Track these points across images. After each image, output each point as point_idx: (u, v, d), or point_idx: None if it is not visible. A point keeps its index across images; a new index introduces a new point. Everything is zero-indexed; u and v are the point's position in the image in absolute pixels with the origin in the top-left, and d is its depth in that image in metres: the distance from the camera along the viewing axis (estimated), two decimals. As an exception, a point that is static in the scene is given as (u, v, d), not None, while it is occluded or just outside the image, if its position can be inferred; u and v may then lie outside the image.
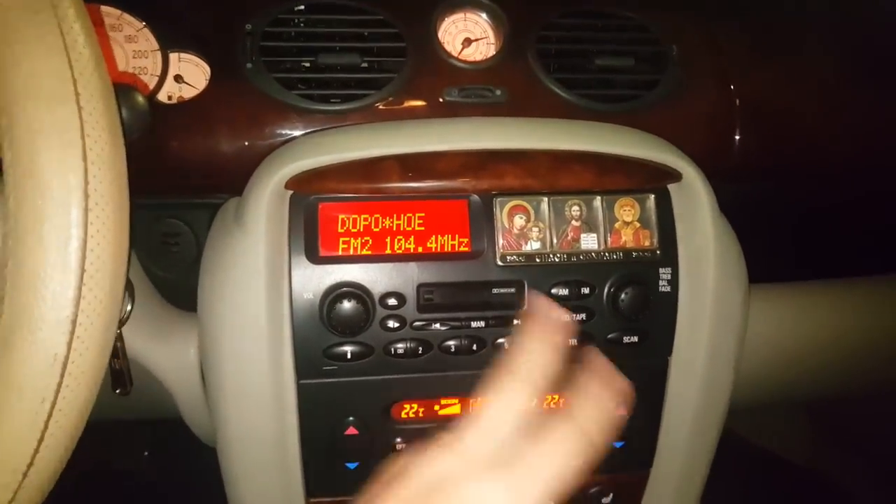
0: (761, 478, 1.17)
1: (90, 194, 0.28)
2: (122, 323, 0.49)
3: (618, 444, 0.58)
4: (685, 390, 0.57)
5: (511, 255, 0.53)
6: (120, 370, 0.47)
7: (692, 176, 0.55)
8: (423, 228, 0.53)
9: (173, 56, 0.59)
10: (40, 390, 0.28)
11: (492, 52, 0.63)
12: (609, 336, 0.54)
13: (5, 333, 0.27)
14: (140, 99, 0.43)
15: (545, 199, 0.54)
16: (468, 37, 0.63)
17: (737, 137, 0.65)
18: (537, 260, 0.53)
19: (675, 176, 0.55)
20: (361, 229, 0.52)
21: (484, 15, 0.64)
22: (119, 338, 0.49)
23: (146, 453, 1.11)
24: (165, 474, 1.08)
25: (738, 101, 0.64)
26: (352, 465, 0.54)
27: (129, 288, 0.50)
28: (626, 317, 0.54)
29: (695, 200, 0.55)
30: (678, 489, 0.61)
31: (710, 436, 0.60)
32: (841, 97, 0.68)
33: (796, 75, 0.67)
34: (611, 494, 0.59)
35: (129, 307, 0.49)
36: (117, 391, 0.48)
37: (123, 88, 0.40)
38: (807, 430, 1.23)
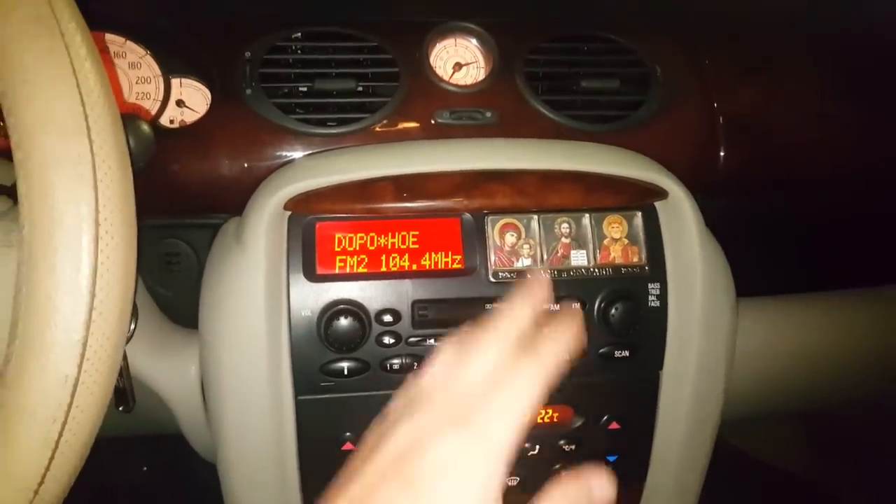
0: (755, 488, 1.18)
1: (101, 223, 0.30)
2: (126, 341, 0.50)
3: (611, 459, 0.59)
4: (677, 403, 0.58)
5: (503, 271, 0.54)
6: (123, 388, 0.49)
7: (678, 193, 0.56)
8: (417, 246, 0.54)
9: (175, 81, 0.60)
10: (52, 411, 0.29)
11: (482, 75, 0.65)
12: (600, 351, 0.56)
13: (19, 357, 0.29)
14: (145, 128, 0.45)
15: (535, 217, 0.55)
16: (459, 61, 0.65)
17: (721, 154, 0.66)
18: (528, 276, 0.54)
19: (662, 193, 0.56)
20: (357, 248, 0.53)
21: (474, 40, 0.66)
22: (123, 356, 0.50)
23: (145, 469, 1.11)
24: (164, 490, 1.08)
25: (721, 119, 0.66)
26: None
27: (133, 307, 0.51)
28: (616, 332, 0.55)
29: (681, 217, 0.57)
30: (672, 502, 0.62)
31: (703, 448, 0.61)
32: (823, 112, 0.69)
33: (778, 91, 0.69)
34: (605, 508, 0.60)
35: (132, 326, 0.51)
36: (120, 408, 0.49)
37: (129, 118, 0.42)
38: (800, 439, 1.23)
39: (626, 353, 0.56)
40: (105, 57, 0.58)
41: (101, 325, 0.30)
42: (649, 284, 0.56)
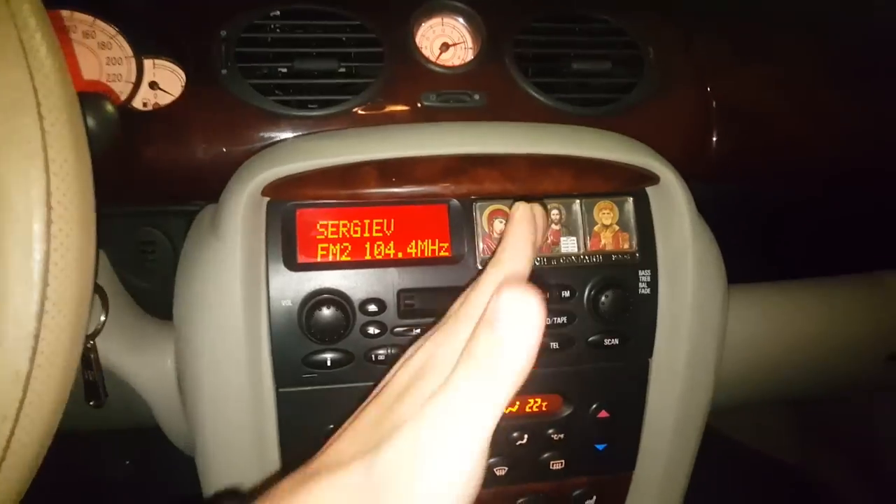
0: (744, 475, 1.18)
1: (53, 206, 0.27)
2: (95, 333, 0.49)
3: (600, 447, 0.58)
4: (667, 391, 0.58)
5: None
6: (93, 382, 0.47)
7: (669, 178, 0.55)
8: (402, 234, 0.52)
9: (148, 62, 0.58)
10: (2, 408, 0.27)
11: (469, 56, 0.63)
12: (590, 339, 0.54)
13: (-33, 350, 0.27)
14: (108, 108, 0.43)
15: (524, 203, 0.54)
16: (446, 41, 0.63)
17: (713, 139, 0.65)
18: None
19: (653, 178, 0.55)
20: (340, 235, 0.52)
21: (461, 19, 0.64)
22: (93, 349, 0.48)
23: (127, 462, 1.09)
24: (146, 483, 1.07)
25: (714, 103, 0.65)
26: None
27: (102, 297, 0.49)
28: (606, 319, 0.54)
29: (672, 202, 0.55)
30: (662, 490, 0.61)
31: (693, 436, 0.60)
32: (817, 98, 0.69)
33: (772, 76, 0.68)
34: (594, 497, 0.59)
35: (102, 318, 0.49)
36: (91, 403, 0.47)
37: (91, 98, 0.40)
38: (790, 427, 1.24)
39: (616, 341, 0.55)
40: (67, 38, 0.56)
41: (55, 317, 0.28)
42: (640, 271, 0.55)
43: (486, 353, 0.27)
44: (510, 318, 0.26)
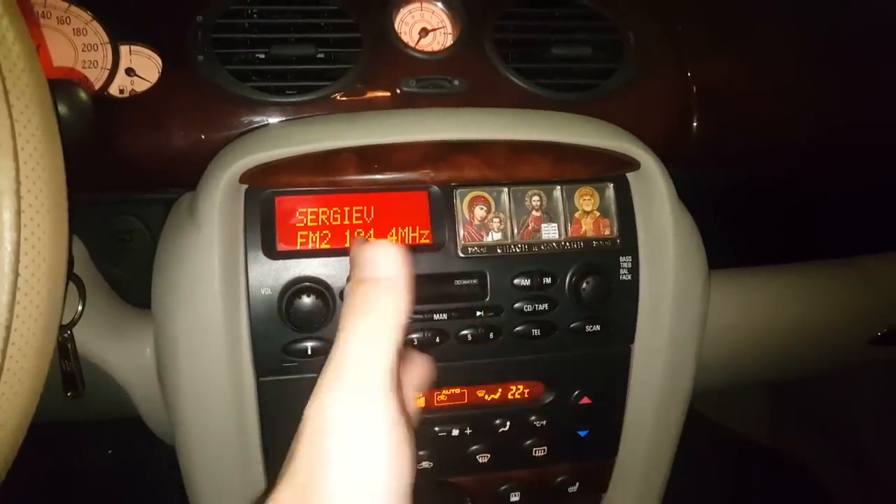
0: (723, 458, 1.20)
1: (23, 196, 0.27)
2: (73, 323, 0.48)
3: (582, 433, 0.58)
4: (648, 377, 0.58)
5: (472, 246, 0.53)
6: (71, 372, 0.46)
7: (650, 164, 0.55)
8: (382, 221, 0.52)
9: (124, 49, 0.57)
10: (-25, 400, 0.27)
11: (449, 41, 0.62)
12: (572, 325, 0.55)
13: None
14: (81, 95, 0.42)
15: (505, 189, 0.54)
16: (425, 27, 0.62)
17: (694, 124, 0.65)
18: (499, 251, 0.53)
19: (634, 164, 0.55)
20: (320, 223, 0.51)
21: (440, 4, 0.63)
22: (70, 339, 0.48)
23: (110, 452, 1.09)
24: (129, 472, 1.06)
25: (695, 88, 0.65)
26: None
27: (80, 287, 0.49)
28: (588, 306, 0.54)
29: (653, 188, 0.55)
30: (644, 475, 0.62)
31: (675, 421, 0.61)
32: (797, 82, 0.69)
33: (754, 61, 0.68)
34: (577, 483, 0.60)
35: (80, 307, 0.48)
36: (69, 394, 0.47)
37: (62, 85, 0.39)
38: (769, 409, 1.26)
39: (598, 328, 0.55)
40: (37, 25, 0.55)
41: (27, 308, 0.27)
42: (621, 258, 0.55)
43: (362, 300, 0.28)
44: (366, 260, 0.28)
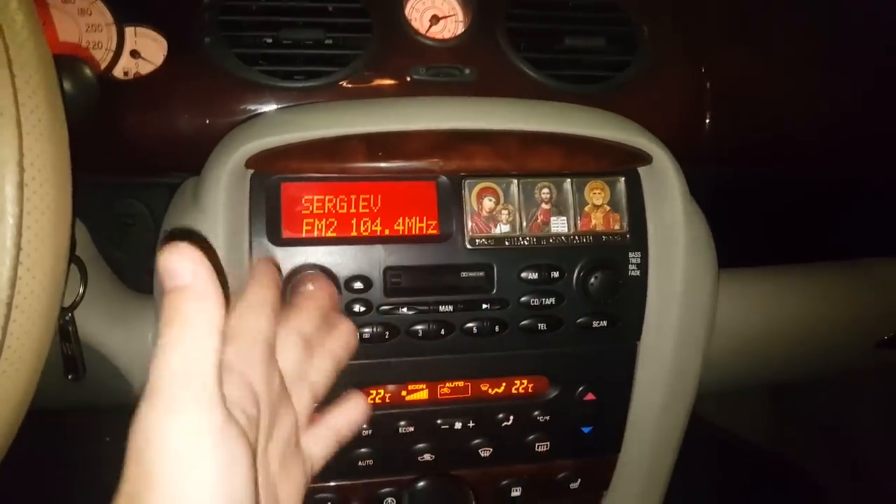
0: (723, 459, 1.19)
1: (26, 168, 0.26)
2: (74, 306, 0.47)
3: (586, 430, 0.58)
4: (654, 375, 0.57)
5: (480, 238, 0.52)
6: (72, 355, 0.45)
7: (662, 159, 0.54)
8: (389, 210, 0.51)
9: (129, 30, 0.56)
10: (-27, 378, 0.26)
11: (460, 29, 0.62)
12: (578, 320, 0.54)
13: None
14: (87, 72, 0.41)
15: (514, 181, 0.53)
16: (436, 14, 0.62)
17: (707, 120, 0.64)
18: (506, 243, 0.52)
19: (646, 158, 0.54)
20: (326, 210, 0.51)
21: (452, -9, 0.62)
22: (71, 321, 0.47)
23: (108, 439, 1.08)
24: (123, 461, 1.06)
25: (708, 84, 0.64)
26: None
27: (81, 269, 0.48)
28: (595, 301, 0.54)
29: (665, 183, 0.55)
30: (646, 473, 0.61)
31: (679, 420, 0.61)
32: (813, 81, 0.68)
33: (768, 58, 0.67)
34: (579, 479, 0.59)
35: (81, 290, 0.47)
36: (69, 377, 0.46)
37: (68, 60, 0.38)
38: (767, 412, 1.25)
39: (605, 324, 0.55)
40: (44, 2, 0.54)
41: (29, 284, 0.27)
42: (630, 253, 0.55)
43: (168, 312, 0.27)
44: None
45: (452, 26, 0.62)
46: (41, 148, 0.27)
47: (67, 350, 0.47)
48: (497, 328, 0.52)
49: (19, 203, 0.26)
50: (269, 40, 0.57)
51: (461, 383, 0.55)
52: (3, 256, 0.26)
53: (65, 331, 0.47)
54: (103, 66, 0.55)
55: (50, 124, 0.27)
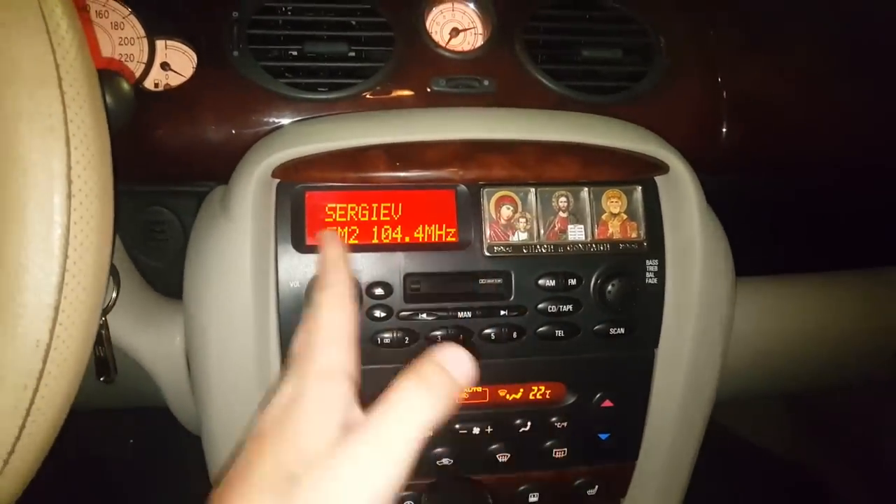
0: (742, 469, 1.19)
1: (73, 180, 0.28)
2: (106, 310, 0.49)
3: (603, 436, 0.58)
4: (671, 382, 0.58)
5: (498, 245, 0.53)
6: (104, 358, 0.47)
7: (679, 168, 0.55)
8: (410, 218, 0.53)
9: (160, 43, 0.58)
10: (22, 377, 0.28)
11: (479, 42, 0.63)
12: (596, 328, 0.54)
13: (-13, 320, 0.27)
14: (125, 85, 0.43)
15: (532, 189, 0.54)
16: (456, 27, 0.63)
17: (724, 129, 0.65)
18: (524, 251, 0.53)
19: (663, 168, 0.55)
20: (348, 218, 0.52)
21: (472, 5, 0.63)
22: (104, 325, 0.48)
23: (131, 441, 1.10)
24: (150, 462, 1.07)
25: (725, 94, 0.64)
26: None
27: (114, 275, 0.50)
28: (612, 308, 0.54)
29: (682, 192, 0.55)
30: (664, 481, 0.61)
31: (696, 428, 0.61)
32: (829, 91, 0.68)
33: (784, 68, 0.67)
34: (596, 486, 0.59)
35: (114, 294, 0.49)
36: (101, 379, 0.48)
37: (108, 75, 0.40)
38: (787, 421, 1.24)
39: (622, 331, 0.55)
40: (86, 16, 0.56)
41: (74, 289, 0.28)
42: (647, 261, 0.55)
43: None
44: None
45: (472, 39, 0.63)
46: (87, 161, 0.28)
47: (100, 353, 0.48)
48: (515, 334, 0.53)
49: (67, 212, 0.27)
50: (295, 53, 0.58)
51: (479, 389, 0.56)
52: (51, 262, 0.27)
53: (98, 334, 0.48)
54: (135, 77, 0.57)
55: (95, 138, 0.29)
